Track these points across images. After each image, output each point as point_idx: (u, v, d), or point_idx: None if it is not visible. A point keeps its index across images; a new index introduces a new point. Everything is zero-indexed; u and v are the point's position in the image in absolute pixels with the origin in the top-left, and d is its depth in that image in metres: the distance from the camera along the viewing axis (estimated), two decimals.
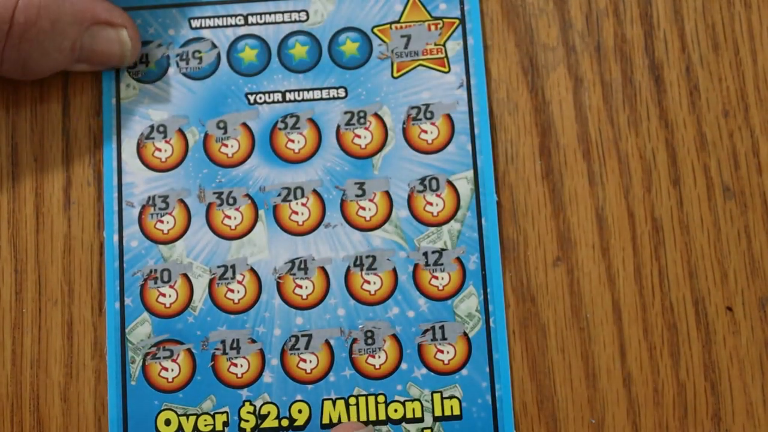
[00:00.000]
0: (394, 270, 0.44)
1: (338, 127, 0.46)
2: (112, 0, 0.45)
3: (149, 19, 0.46)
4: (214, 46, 0.46)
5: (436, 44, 0.46)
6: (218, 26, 0.46)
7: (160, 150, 0.45)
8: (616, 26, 0.46)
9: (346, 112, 0.46)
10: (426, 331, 0.44)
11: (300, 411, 0.43)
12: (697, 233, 0.45)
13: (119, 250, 0.44)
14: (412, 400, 0.44)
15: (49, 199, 0.45)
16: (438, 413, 0.43)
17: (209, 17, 0.46)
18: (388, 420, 0.43)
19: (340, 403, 0.43)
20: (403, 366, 0.44)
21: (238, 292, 0.44)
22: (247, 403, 0.43)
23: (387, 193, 0.45)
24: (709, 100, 0.46)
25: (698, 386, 0.44)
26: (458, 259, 0.44)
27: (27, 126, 0.46)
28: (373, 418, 0.43)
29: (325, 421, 0.43)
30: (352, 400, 0.44)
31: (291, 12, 0.46)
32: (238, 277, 0.44)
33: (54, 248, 0.45)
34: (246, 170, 0.45)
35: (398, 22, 0.46)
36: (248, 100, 0.46)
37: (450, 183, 0.45)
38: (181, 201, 0.45)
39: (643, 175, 0.45)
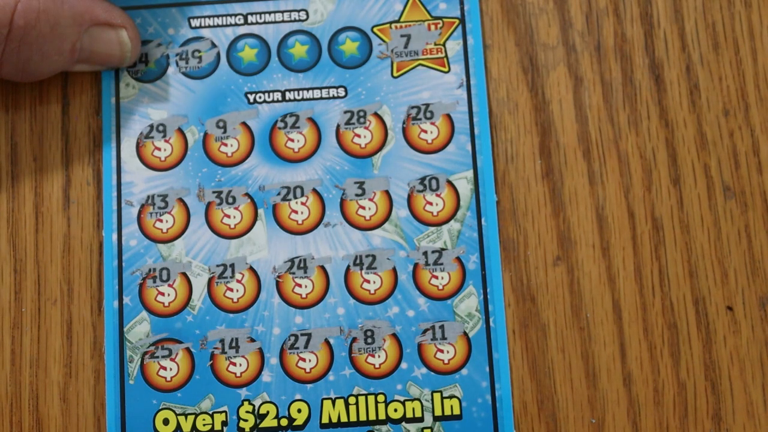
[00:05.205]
0: (394, 269, 0.44)
1: (338, 126, 0.46)
2: (111, 0, 0.45)
3: (149, 18, 0.46)
4: (214, 45, 0.46)
5: (436, 44, 0.46)
6: (218, 25, 0.46)
7: (159, 149, 0.45)
8: (616, 25, 0.46)
9: (345, 112, 0.46)
10: (426, 330, 0.44)
11: (299, 410, 0.43)
12: (698, 233, 0.45)
13: (118, 249, 0.44)
14: (412, 400, 0.43)
15: (48, 199, 0.45)
16: (438, 413, 0.43)
17: (209, 16, 0.46)
18: (388, 420, 0.43)
19: (340, 403, 0.43)
20: (403, 365, 0.44)
21: (237, 291, 0.44)
22: (246, 403, 0.43)
23: (387, 192, 0.45)
24: (710, 100, 0.45)
25: (698, 386, 0.43)
26: (458, 258, 0.44)
27: (26, 125, 0.46)
28: (372, 417, 0.43)
29: (325, 420, 0.43)
30: (352, 400, 0.43)
31: (291, 11, 0.46)
32: (237, 276, 0.44)
33: (53, 247, 0.45)
34: (245, 169, 0.45)
35: (398, 21, 0.46)
36: (248, 99, 0.46)
37: (450, 183, 0.45)
38: (181, 200, 0.45)
39: (643, 174, 0.45)
